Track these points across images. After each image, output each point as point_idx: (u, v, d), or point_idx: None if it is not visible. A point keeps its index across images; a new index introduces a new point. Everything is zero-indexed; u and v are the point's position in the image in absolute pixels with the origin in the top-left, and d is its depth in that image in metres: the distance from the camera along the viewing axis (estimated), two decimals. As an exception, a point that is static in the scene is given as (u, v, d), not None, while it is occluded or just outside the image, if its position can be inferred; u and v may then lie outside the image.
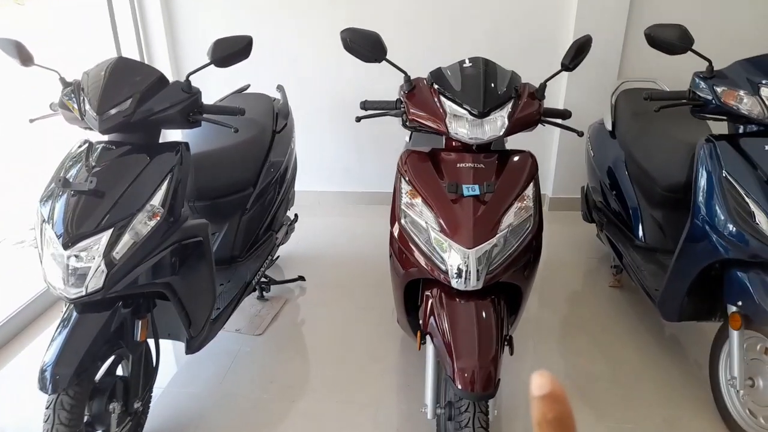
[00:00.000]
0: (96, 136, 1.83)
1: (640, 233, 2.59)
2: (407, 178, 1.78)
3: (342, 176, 4.10)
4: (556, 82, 3.79)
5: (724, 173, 1.87)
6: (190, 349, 2.05)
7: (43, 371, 1.58)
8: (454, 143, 1.81)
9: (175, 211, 1.79)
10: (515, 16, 3.52)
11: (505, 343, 1.70)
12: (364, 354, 2.45)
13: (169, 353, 2.48)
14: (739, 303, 1.84)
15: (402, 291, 1.87)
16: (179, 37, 3.80)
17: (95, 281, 1.62)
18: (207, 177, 2.36)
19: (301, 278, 2.99)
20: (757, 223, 1.79)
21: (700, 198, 1.97)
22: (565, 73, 1.82)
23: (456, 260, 1.62)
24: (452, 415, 1.68)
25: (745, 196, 1.82)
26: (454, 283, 1.63)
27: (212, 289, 2.04)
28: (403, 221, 1.76)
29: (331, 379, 2.31)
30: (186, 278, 1.86)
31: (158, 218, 1.73)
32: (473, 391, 1.52)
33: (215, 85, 3.78)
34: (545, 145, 3.80)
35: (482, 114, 1.69)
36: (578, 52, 1.77)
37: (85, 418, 1.70)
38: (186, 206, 1.86)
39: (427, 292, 1.77)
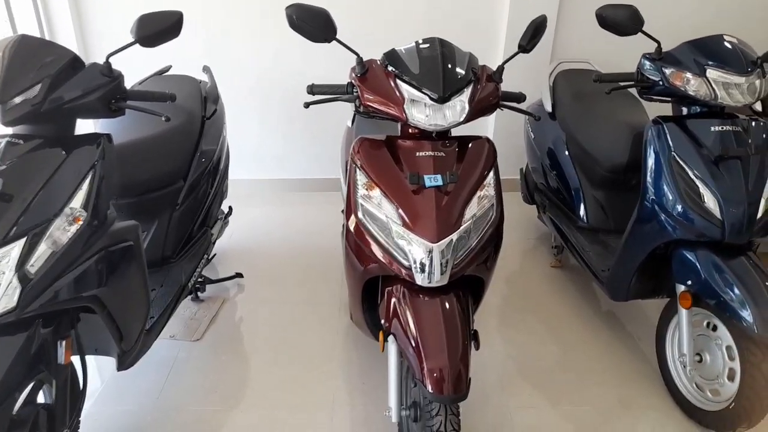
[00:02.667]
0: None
1: (583, 214, 2.62)
2: (362, 169, 1.65)
3: (275, 163, 3.88)
4: (494, 61, 3.81)
5: (673, 154, 1.89)
6: (123, 364, 1.83)
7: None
8: (411, 130, 1.70)
9: (99, 214, 1.56)
10: (447, 2, 3.43)
11: (471, 338, 1.64)
12: (313, 354, 2.32)
13: (93, 368, 2.23)
14: (689, 282, 1.88)
15: (360, 289, 1.76)
16: (87, 10, 3.40)
17: (7, 300, 1.38)
18: (131, 171, 2.11)
19: (239, 275, 2.80)
20: (705, 203, 1.82)
21: (649, 179, 1.99)
22: (499, 55, 1.76)
23: (419, 255, 1.52)
24: (418, 416, 1.61)
25: (693, 177, 1.85)
26: (418, 279, 1.54)
27: (146, 298, 1.83)
28: (360, 214, 1.64)
29: (281, 384, 2.16)
30: (115, 289, 1.64)
31: (80, 223, 1.50)
32: (445, 394, 1.44)
33: (130, 66, 3.45)
34: (481, 126, 3.77)
35: (442, 99, 1.59)
36: (535, 32, 1.70)
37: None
38: (112, 207, 1.64)
39: (388, 289, 1.67)
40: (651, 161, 1.97)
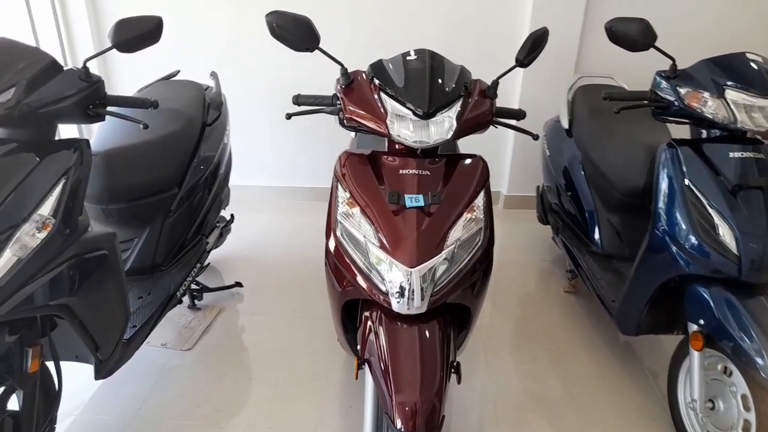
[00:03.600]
0: None
1: (596, 239, 2.47)
2: (345, 185, 1.57)
3: (288, 170, 3.85)
4: (510, 76, 3.64)
5: (686, 181, 1.74)
6: (100, 373, 1.79)
7: None
8: (397, 146, 1.61)
9: (71, 221, 1.52)
10: (468, 8, 3.33)
11: (452, 370, 1.53)
12: (302, 371, 2.24)
13: (78, 373, 2.20)
14: (701, 322, 1.72)
15: (339, 311, 1.67)
16: (104, 17, 3.44)
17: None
18: (123, 176, 2.08)
19: (238, 284, 2.75)
20: (720, 236, 1.67)
21: (660, 206, 1.84)
22: (519, 68, 1.65)
23: (397, 280, 1.42)
24: None
25: (708, 207, 1.69)
26: (395, 305, 1.44)
27: (123, 308, 1.78)
28: (338, 233, 1.55)
29: (265, 401, 2.09)
30: (88, 298, 1.60)
31: (49, 230, 1.47)
32: (415, 430, 1.34)
33: (141, 71, 3.48)
34: (500, 140, 3.65)
35: (427, 114, 1.49)
36: (534, 46, 1.59)
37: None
38: (86, 215, 1.60)
39: (366, 313, 1.58)
40: (663, 187, 1.82)
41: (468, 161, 1.62)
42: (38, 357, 1.56)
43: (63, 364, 1.73)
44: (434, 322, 1.51)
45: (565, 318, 2.64)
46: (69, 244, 1.52)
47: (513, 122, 1.70)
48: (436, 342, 1.47)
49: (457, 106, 1.54)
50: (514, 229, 3.52)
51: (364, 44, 3.42)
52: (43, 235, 1.46)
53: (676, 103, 1.77)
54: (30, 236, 1.44)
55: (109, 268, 1.68)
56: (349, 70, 1.63)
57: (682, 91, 1.74)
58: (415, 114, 1.50)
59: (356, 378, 1.56)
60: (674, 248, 1.76)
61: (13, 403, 1.57)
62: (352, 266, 1.51)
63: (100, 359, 1.76)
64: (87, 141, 1.61)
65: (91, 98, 1.59)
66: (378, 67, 1.60)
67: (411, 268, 1.42)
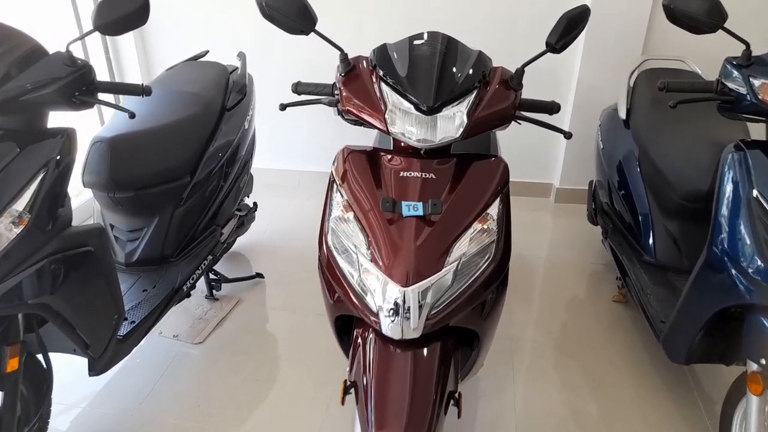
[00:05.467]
0: None
1: (650, 246, 2.16)
2: (343, 185, 1.39)
3: (324, 155, 3.69)
4: (569, 57, 3.32)
5: (755, 193, 1.43)
6: (93, 370, 1.73)
7: None
8: (402, 143, 1.40)
9: (49, 217, 1.44)
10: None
11: (452, 402, 1.33)
12: (312, 374, 2.11)
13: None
14: (762, 361, 1.43)
15: (333, 323, 1.51)
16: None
17: (-63, 305, 1.30)
18: (130, 163, 1.99)
19: (259, 276, 2.65)
20: (794, 262, 1.36)
21: (722, 218, 1.54)
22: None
23: (389, 299, 1.24)
24: None
25: (780, 226, 1.39)
26: (386, 328, 1.25)
27: (114, 306, 1.70)
28: (329, 241, 1.38)
29: (268, 408, 1.97)
30: (71, 297, 1.52)
31: (25, 225, 1.39)
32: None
33: (171, 50, 3.40)
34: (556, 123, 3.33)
35: (432, 109, 1.28)
36: (568, 28, 1.33)
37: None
38: (68, 208, 1.51)
39: (358, 330, 1.41)
40: (726, 196, 1.52)
41: (483, 162, 1.39)
42: (17, 356, 1.49)
43: (65, 355, 1.68)
44: (434, 346, 1.32)
45: (609, 331, 2.36)
46: (49, 239, 1.44)
47: (541, 117, 1.45)
48: (434, 370, 1.28)
49: (469, 99, 1.31)
50: (565, 225, 3.22)
51: (382, 23, 3.17)
52: (18, 230, 1.38)
53: (748, 96, 1.45)
54: (7, 230, 1.36)
55: (96, 265, 1.59)
56: (351, 56, 1.44)
57: (757, 82, 1.42)
58: (418, 108, 1.29)
59: (342, 403, 1.39)
60: (734, 271, 1.47)
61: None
62: (342, 280, 1.34)
63: (92, 357, 1.69)
64: (73, 130, 1.51)
65: (76, 85, 1.48)
66: (381, 53, 1.40)
67: (405, 287, 1.23)
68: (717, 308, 1.54)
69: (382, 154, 1.41)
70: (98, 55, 3.38)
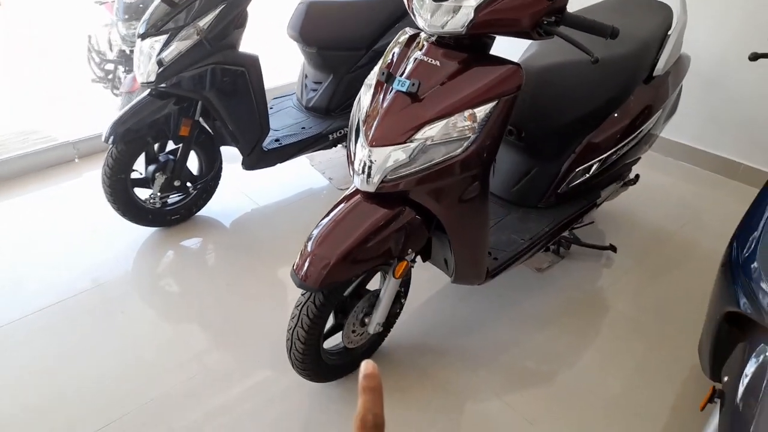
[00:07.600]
0: None
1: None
2: (386, 54, 1.60)
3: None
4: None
5: None
6: (244, 164, 2.41)
7: (108, 127, 2.13)
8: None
9: (216, 39, 2.05)
10: None
11: (395, 259, 1.54)
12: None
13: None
14: None
15: None
16: None
17: (149, 74, 2.06)
18: (318, 25, 2.46)
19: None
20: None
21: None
22: None
23: (360, 154, 1.47)
24: None
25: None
26: (355, 180, 1.50)
27: (260, 120, 2.29)
28: (355, 102, 1.63)
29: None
30: (223, 98, 2.16)
31: (198, 37, 2.03)
32: (305, 280, 1.45)
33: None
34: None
35: (441, -5, 1.35)
36: None
37: (136, 174, 2.27)
38: (234, 37, 2.09)
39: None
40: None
41: (493, 66, 1.41)
42: (188, 127, 2.23)
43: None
44: (392, 209, 1.49)
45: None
46: (212, 53, 2.07)
47: (577, 39, 1.33)
48: (374, 220, 1.47)
49: None
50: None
51: None
52: (195, 39, 2.03)
53: None
54: (190, 38, 2.03)
55: (248, 84, 2.18)
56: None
57: None
58: (431, -6, 1.39)
59: None
60: None
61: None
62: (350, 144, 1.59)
63: (243, 153, 2.35)
64: None
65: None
66: None
67: (370, 147, 1.43)
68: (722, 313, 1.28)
69: (417, 34, 1.54)
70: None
